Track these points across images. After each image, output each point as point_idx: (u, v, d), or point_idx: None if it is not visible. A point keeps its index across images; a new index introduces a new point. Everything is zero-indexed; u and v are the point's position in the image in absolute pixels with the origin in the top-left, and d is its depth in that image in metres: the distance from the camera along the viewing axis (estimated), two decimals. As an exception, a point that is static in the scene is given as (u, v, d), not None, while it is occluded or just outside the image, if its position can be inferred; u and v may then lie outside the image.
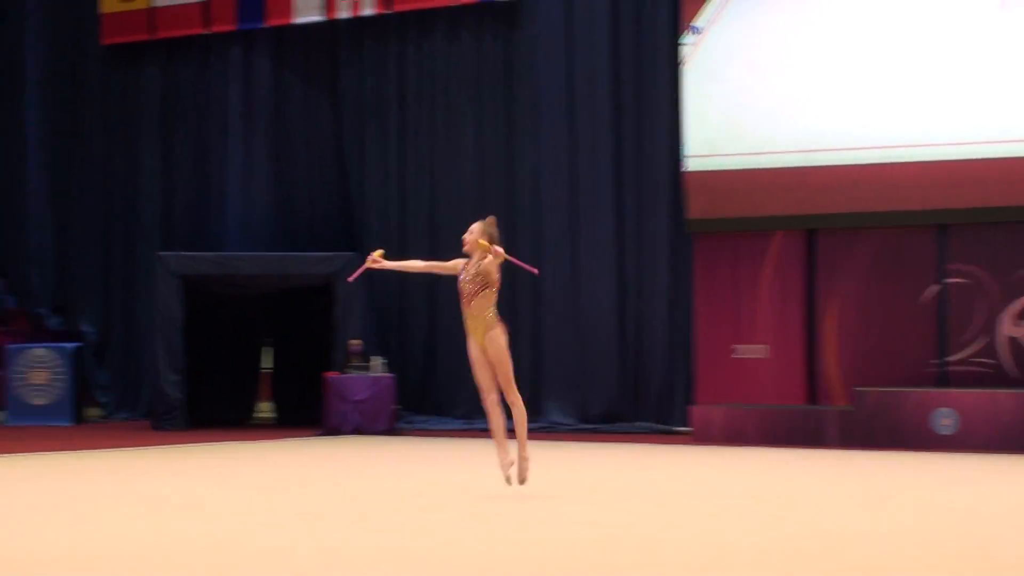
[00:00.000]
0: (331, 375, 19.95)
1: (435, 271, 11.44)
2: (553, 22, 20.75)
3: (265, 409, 23.54)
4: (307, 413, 20.73)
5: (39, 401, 22.12)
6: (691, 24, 19.08)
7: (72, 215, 24.60)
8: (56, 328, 24.51)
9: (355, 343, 20.17)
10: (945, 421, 16.76)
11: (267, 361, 23.06)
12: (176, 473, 13.95)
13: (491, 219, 11.09)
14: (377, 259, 11.19)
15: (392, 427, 19.64)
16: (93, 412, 23.25)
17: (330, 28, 22.37)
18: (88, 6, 24.02)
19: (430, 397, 21.47)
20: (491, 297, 10.93)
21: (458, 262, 11.13)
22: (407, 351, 21.40)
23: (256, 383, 23.18)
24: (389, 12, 21.65)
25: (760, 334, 18.88)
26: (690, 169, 19.05)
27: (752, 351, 18.86)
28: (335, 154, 22.59)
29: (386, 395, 19.87)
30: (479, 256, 10.94)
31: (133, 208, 23.83)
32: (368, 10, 21.70)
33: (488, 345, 10.94)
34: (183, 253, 21.44)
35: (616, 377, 20.10)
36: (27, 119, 25.11)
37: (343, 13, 21.87)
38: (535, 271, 11.50)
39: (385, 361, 20.24)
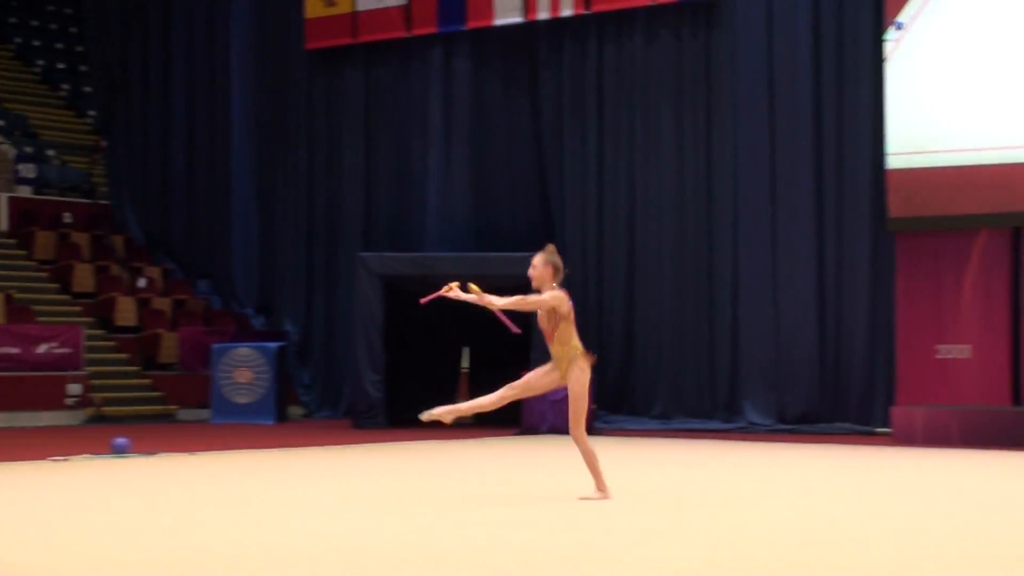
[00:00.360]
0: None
1: (519, 308, 11.14)
2: (753, 20, 20.58)
3: (464, 408, 23.67)
4: (505, 412, 20.72)
5: (243, 400, 22.52)
6: (894, 20, 18.81)
7: (276, 217, 25.06)
8: (260, 328, 24.95)
9: (552, 343, 20.17)
10: None
11: (465, 361, 23.22)
12: (379, 472, 14.15)
13: (550, 248, 10.95)
14: (451, 287, 11.16)
15: (589, 427, 19.57)
16: (295, 410, 23.65)
17: (529, 29, 22.46)
18: (293, 12, 24.44)
19: (627, 397, 21.42)
20: (569, 328, 10.84)
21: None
22: (605, 351, 21.30)
23: (455, 382, 23.35)
24: (588, 12, 21.66)
25: (964, 334, 18.54)
26: (892, 167, 18.76)
27: (955, 351, 18.52)
28: (534, 154, 22.65)
29: (583, 395, 19.79)
30: (547, 291, 10.81)
31: (335, 209, 24.20)
32: (567, 11, 21.75)
33: (570, 379, 10.83)
34: (384, 254, 21.71)
35: (815, 377, 19.87)
36: (233, 123, 25.64)
37: (542, 14, 21.95)
38: (517, 330, 11.40)
39: (582, 361, 20.20)
